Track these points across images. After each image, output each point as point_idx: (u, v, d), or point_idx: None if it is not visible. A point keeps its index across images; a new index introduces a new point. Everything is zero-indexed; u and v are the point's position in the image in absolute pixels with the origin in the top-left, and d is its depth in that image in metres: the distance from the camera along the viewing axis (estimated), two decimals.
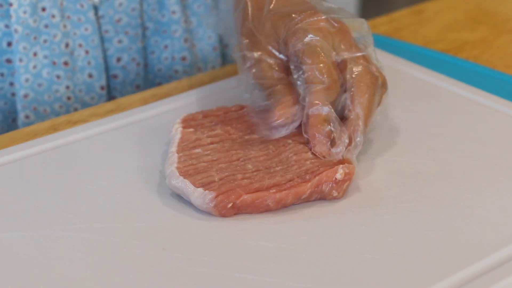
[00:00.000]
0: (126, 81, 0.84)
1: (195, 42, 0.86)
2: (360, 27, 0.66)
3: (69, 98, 0.81)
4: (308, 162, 0.59)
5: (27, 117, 0.81)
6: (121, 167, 0.63)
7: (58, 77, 0.80)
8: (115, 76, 0.83)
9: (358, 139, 0.60)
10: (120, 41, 0.82)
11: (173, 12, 0.83)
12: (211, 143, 0.63)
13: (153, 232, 0.56)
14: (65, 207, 0.58)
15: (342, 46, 0.63)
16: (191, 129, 0.64)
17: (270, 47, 0.65)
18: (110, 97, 0.84)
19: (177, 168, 0.59)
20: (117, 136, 0.68)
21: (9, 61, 0.80)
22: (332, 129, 0.60)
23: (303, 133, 0.61)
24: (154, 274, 0.52)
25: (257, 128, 0.64)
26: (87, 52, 0.80)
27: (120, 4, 0.80)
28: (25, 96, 0.80)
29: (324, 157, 0.60)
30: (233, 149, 0.62)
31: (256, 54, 0.65)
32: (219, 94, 0.74)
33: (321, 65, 0.61)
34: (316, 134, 0.60)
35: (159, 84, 0.85)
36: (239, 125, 0.65)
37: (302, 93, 0.62)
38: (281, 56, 0.65)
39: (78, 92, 0.81)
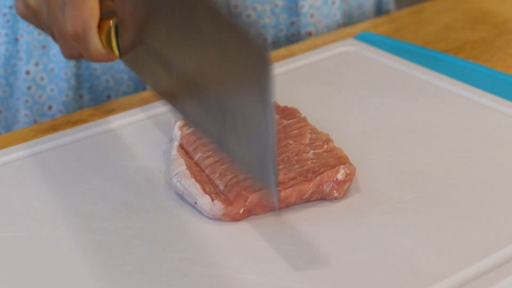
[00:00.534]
0: None
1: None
2: None
3: None
4: (309, 162, 0.60)
5: (128, 86, 0.83)
6: (121, 167, 0.63)
7: None
8: None
9: None
10: (248, 16, 0.86)
11: None
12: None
13: (153, 232, 0.56)
14: (65, 207, 0.58)
15: None
16: (190, 131, 0.64)
17: None
18: None
19: (188, 169, 0.59)
20: (117, 136, 0.68)
21: None
22: None
23: None
24: (154, 274, 0.52)
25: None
26: None
27: None
28: None
29: None
30: None
31: None
32: None
33: None
34: None
35: None
36: None
37: None
38: None
39: None
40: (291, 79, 0.78)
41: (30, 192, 0.60)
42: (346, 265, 0.52)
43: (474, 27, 0.90)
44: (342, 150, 0.62)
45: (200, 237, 0.55)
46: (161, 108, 0.72)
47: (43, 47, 0.86)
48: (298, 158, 0.60)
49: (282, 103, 0.68)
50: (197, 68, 0.57)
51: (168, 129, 0.67)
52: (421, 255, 0.53)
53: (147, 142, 0.67)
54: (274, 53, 0.84)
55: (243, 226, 0.56)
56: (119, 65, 0.86)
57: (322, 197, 0.59)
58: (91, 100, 0.87)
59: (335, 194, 0.58)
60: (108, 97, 0.87)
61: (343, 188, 0.58)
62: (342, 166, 0.59)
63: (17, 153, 0.65)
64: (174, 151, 0.62)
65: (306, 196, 0.58)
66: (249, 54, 0.50)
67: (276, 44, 0.90)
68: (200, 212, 0.57)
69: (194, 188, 0.57)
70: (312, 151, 0.61)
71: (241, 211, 0.56)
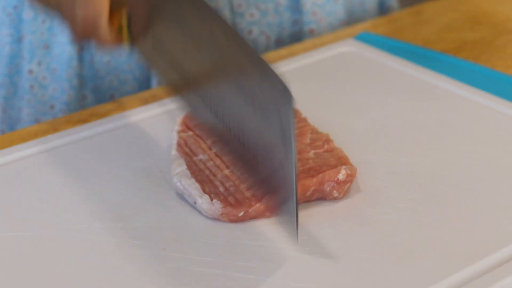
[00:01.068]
0: None
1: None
2: None
3: None
4: (310, 161, 0.60)
5: (159, 82, 0.83)
6: (121, 167, 0.63)
7: None
8: None
9: None
10: (251, 15, 0.86)
11: None
12: (212, 144, 0.62)
13: (153, 232, 0.56)
14: (65, 207, 0.58)
15: None
16: (190, 132, 0.64)
17: None
18: None
19: (188, 169, 0.59)
20: (117, 136, 0.68)
21: None
22: None
23: None
24: (154, 274, 0.52)
25: None
26: None
27: None
28: None
29: None
30: None
31: None
32: None
33: None
34: None
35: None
36: None
37: None
38: None
39: None
40: (291, 79, 0.77)
41: (30, 192, 0.60)
42: (346, 265, 0.52)
43: (474, 27, 0.90)
44: (342, 151, 0.62)
45: (200, 237, 0.55)
46: (161, 108, 0.72)
47: (46, 46, 0.86)
48: (299, 157, 0.60)
49: None
50: (209, 78, 0.58)
51: (168, 129, 0.67)
52: (421, 255, 0.53)
53: (147, 142, 0.67)
54: (274, 53, 0.84)
55: (243, 226, 0.56)
56: (123, 66, 0.86)
57: (322, 197, 0.59)
58: (94, 101, 0.88)
59: (335, 194, 0.58)
60: (112, 97, 0.87)
61: (344, 189, 0.58)
62: (344, 166, 0.59)
63: (17, 153, 0.65)
64: (175, 151, 0.62)
65: (308, 193, 0.58)
66: (271, 86, 0.51)
67: (279, 43, 0.90)
68: (200, 212, 0.57)
69: (193, 188, 0.57)
70: (312, 150, 0.61)
71: (241, 214, 0.56)
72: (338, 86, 0.76)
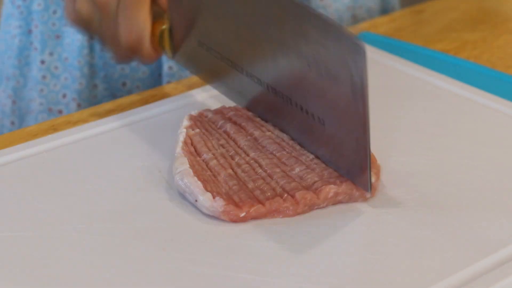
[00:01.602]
0: None
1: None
2: None
3: None
4: (330, 168, 0.59)
5: (170, 68, 0.85)
6: (121, 167, 0.63)
7: None
8: None
9: None
10: None
11: None
12: (220, 145, 0.62)
13: (153, 232, 0.56)
14: (65, 207, 0.58)
15: None
16: (197, 130, 0.64)
17: None
18: None
19: (190, 168, 0.59)
20: (117, 136, 0.68)
21: None
22: None
23: None
24: (154, 274, 0.52)
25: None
26: None
27: None
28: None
29: None
30: (243, 152, 0.62)
31: None
32: (221, 95, 0.74)
33: None
34: None
35: None
36: (250, 124, 0.65)
37: None
38: None
39: None
40: None
41: (30, 192, 0.60)
42: (346, 265, 0.52)
43: (474, 27, 0.90)
44: None
45: (200, 237, 0.55)
46: (161, 108, 0.72)
47: (57, 36, 0.87)
48: (317, 161, 0.60)
49: None
50: (275, 68, 0.58)
51: (168, 129, 0.67)
52: (421, 255, 0.53)
53: (147, 142, 0.67)
54: None
55: (243, 226, 0.56)
56: None
57: (350, 200, 0.58)
58: (105, 89, 0.89)
59: (368, 195, 0.58)
60: (124, 84, 0.88)
61: (375, 188, 0.58)
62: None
63: (17, 153, 0.65)
64: (178, 149, 0.62)
65: (339, 198, 0.58)
66: (337, 40, 0.51)
67: None
68: (200, 212, 0.57)
69: (195, 186, 0.57)
70: None
71: (242, 215, 0.56)
72: None
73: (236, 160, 0.61)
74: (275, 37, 0.57)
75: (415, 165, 0.62)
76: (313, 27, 0.53)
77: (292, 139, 0.63)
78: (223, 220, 0.56)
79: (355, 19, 0.95)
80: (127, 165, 0.63)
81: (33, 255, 0.54)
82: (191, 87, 0.77)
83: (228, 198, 0.56)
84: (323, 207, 0.57)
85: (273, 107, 0.62)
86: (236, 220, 0.56)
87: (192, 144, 0.63)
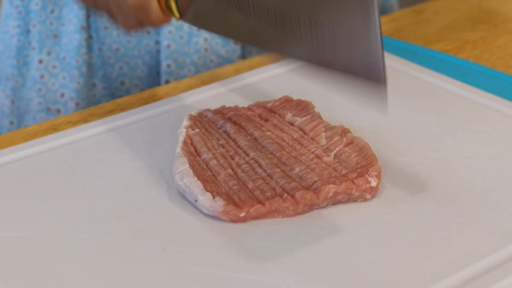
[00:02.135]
0: None
1: None
2: None
3: (206, 49, 0.86)
4: (330, 169, 0.59)
5: (168, 66, 0.85)
6: (121, 167, 0.63)
7: (198, 30, 0.84)
8: None
9: None
10: None
11: None
12: (219, 145, 0.62)
13: (153, 232, 0.56)
14: (65, 207, 0.58)
15: None
16: (197, 130, 0.64)
17: None
18: (243, 54, 0.88)
19: (190, 168, 0.59)
20: (117, 136, 0.68)
21: None
22: None
23: None
24: (154, 274, 0.52)
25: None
26: None
27: None
28: (168, 46, 0.85)
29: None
30: (243, 152, 0.62)
31: None
32: (221, 95, 0.74)
33: None
34: None
35: None
36: (250, 124, 0.65)
37: None
38: None
39: (215, 45, 0.86)
40: (291, 79, 0.78)
41: (30, 192, 0.60)
42: (346, 265, 0.52)
43: (474, 27, 0.90)
44: (362, 140, 0.61)
45: (200, 237, 0.55)
46: (161, 108, 0.72)
47: (55, 36, 0.88)
48: (317, 161, 0.60)
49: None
50: None
51: (168, 129, 0.67)
52: (421, 255, 0.53)
53: (147, 142, 0.67)
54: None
55: (243, 226, 0.56)
56: (133, 51, 0.87)
57: (349, 200, 0.58)
58: (104, 88, 0.89)
59: (368, 196, 0.58)
60: (122, 83, 0.88)
61: (376, 189, 0.58)
62: (371, 169, 0.58)
63: (17, 153, 0.65)
64: (178, 149, 0.62)
65: (339, 197, 0.57)
66: None
67: None
68: (200, 211, 0.57)
69: (195, 186, 0.57)
70: (332, 152, 0.61)
71: (242, 215, 0.56)
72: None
73: (236, 160, 0.61)
74: None
75: (415, 165, 0.62)
76: None
77: (294, 138, 0.63)
78: (223, 220, 0.56)
79: None
80: (127, 165, 0.63)
81: (33, 255, 0.54)
82: (191, 87, 0.77)
83: (228, 198, 0.56)
84: (323, 207, 0.58)
85: (283, 35, 0.62)
86: (236, 220, 0.56)
87: (192, 144, 0.63)
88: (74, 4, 0.88)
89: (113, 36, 0.88)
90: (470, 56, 0.83)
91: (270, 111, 0.68)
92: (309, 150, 0.61)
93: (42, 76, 0.88)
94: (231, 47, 0.87)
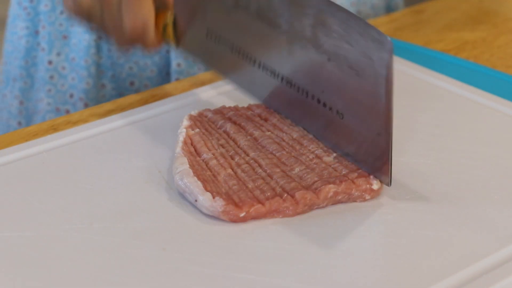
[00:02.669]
0: None
1: None
2: None
3: None
4: (330, 169, 0.59)
5: (178, 65, 0.85)
6: (121, 167, 0.63)
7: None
8: None
9: None
10: None
11: None
12: (219, 145, 0.62)
13: (153, 232, 0.56)
14: (65, 207, 0.58)
15: None
16: (197, 130, 0.64)
17: None
18: None
19: (190, 168, 0.59)
20: (117, 136, 0.68)
21: None
22: None
23: None
24: (154, 274, 0.52)
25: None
26: None
27: None
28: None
29: None
30: (243, 152, 0.62)
31: None
32: (221, 94, 0.74)
33: None
34: None
35: None
36: (249, 124, 0.65)
37: None
38: None
39: None
40: None
41: (30, 192, 0.60)
42: (346, 265, 0.52)
43: (474, 27, 0.90)
44: None
45: (201, 237, 0.55)
46: (161, 108, 0.72)
47: (65, 37, 0.88)
48: (317, 161, 0.60)
49: None
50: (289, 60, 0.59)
51: (168, 129, 0.67)
52: (421, 255, 0.53)
53: (147, 142, 0.67)
54: None
55: (243, 226, 0.56)
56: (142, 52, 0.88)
57: (349, 200, 0.58)
58: (113, 89, 0.89)
59: (367, 197, 0.58)
60: (132, 84, 0.88)
61: (377, 192, 0.58)
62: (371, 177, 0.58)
63: (17, 153, 0.65)
64: (178, 149, 0.62)
65: (339, 197, 0.58)
66: (360, 35, 0.51)
67: None
68: (200, 212, 0.57)
69: (195, 186, 0.57)
70: (333, 154, 0.61)
71: (242, 215, 0.56)
72: None
73: (236, 160, 0.61)
74: (291, 28, 0.57)
75: (415, 165, 0.62)
76: (334, 20, 0.53)
77: (294, 138, 0.63)
78: (223, 220, 0.56)
79: (360, 16, 0.95)
80: (127, 165, 0.63)
81: (33, 255, 0.54)
82: (191, 87, 0.77)
83: (228, 198, 0.56)
84: (323, 207, 0.58)
85: (287, 100, 0.62)
86: (236, 220, 0.56)
87: (192, 144, 0.63)
88: None
89: None
90: (470, 56, 0.83)
91: (270, 111, 0.68)
92: (309, 150, 0.61)
93: (51, 77, 0.89)
94: None
